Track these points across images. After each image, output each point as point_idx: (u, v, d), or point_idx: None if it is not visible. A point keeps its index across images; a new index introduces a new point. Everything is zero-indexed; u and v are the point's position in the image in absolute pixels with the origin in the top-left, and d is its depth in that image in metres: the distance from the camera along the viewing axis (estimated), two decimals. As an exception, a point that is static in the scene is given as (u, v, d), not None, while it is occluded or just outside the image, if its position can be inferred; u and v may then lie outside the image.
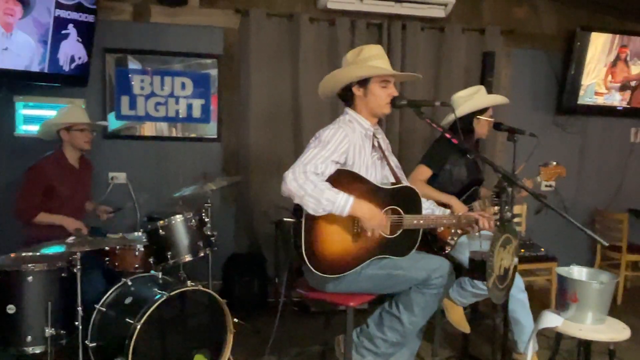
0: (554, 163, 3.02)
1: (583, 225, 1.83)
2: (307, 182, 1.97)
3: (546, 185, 4.32)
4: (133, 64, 3.79)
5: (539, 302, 3.44)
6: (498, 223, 1.97)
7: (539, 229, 4.10)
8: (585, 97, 4.33)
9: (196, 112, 3.92)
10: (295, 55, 3.88)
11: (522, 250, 3.65)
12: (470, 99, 2.89)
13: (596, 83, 4.33)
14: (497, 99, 3.03)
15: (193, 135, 3.95)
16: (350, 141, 2.14)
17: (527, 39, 4.32)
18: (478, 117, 2.88)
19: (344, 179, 2.08)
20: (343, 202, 1.98)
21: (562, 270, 2.21)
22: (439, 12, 3.95)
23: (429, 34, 4.06)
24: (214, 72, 3.91)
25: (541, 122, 4.33)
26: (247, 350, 2.92)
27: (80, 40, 3.37)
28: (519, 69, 4.36)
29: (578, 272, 2.25)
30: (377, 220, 2.05)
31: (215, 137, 3.97)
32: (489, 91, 3.22)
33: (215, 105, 3.95)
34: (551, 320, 2.11)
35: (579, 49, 4.19)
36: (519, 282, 2.70)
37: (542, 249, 3.77)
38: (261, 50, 3.84)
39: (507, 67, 4.33)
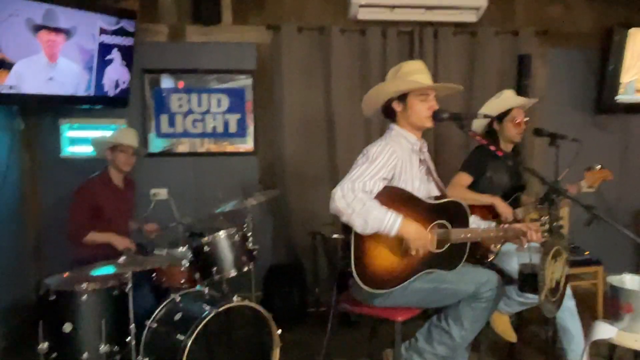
0: (598, 167, 2.95)
1: (626, 227, 1.78)
2: (356, 201, 1.97)
3: (588, 187, 4.22)
4: (170, 83, 3.89)
5: (585, 307, 3.35)
6: (547, 234, 1.94)
7: (582, 231, 4.00)
8: (626, 95, 4.22)
9: (232, 127, 4.00)
10: (327, 66, 3.91)
11: (566, 254, 3.57)
12: (494, 103, 2.86)
13: (636, 80, 4.21)
14: (517, 100, 2.93)
15: (230, 149, 4.02)
16: (399, 156, 2.14)
17: (562, 38, 4.24)
18: (501, 119, 2.83)
19: (391, 196, 2.08)
20: (391, 222, 1.98)
21: (614, 279, 2.16)
22: (470, 17, 3.91)
23: (461, 39, 4.03)
24: (248, 88, 3.98)
25: (580, 123, 4.23)
26: (290, 361, 2.94)
27: (124, 63, 3.48)
28: (554, 69, 4.27)
29: (630, 281, 2.19)
30: (423, 240, 2.05)
31: (251, 151, 4.04)
32: (525, 95, 3.17)
33: (250, 120, 4.01)
34: (604, 331, 2.06)
35: (616, 45, 4.08)
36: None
37: (587, 253, 3.68)
38: (293, 63, 3.88)
39: (543, 68, 4.25)
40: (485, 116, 2.16)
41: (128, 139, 3.14)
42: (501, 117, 2.85)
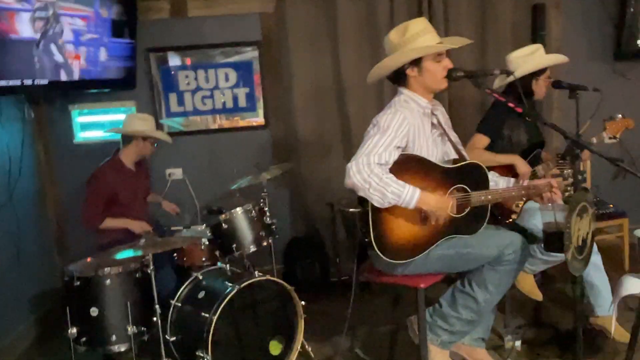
0: (619, 116, 2.86)
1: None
2: (372, 175, 1.93)
3: (610, 138, 4.09)
4: (175, 61, 3.83)
5: (611, 261, 3.30)
6: (570, 190, 1.88)
7: (604, 184, 3.91)
8: (647, 39, 4.04)
9: (242, 102, 3.94)
10: (333, 32, 3.80)
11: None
12: (529, 59, 2.74)
13: (659, 22, 4.02)
14: (558, 58, 2.85)
15: (241, 124, 3.98)
16: (410, 123, 2.08)
17: (576, -17, 4.05)
18: (537, 77, 2.74)
19: (406, 163, 2.03)
20: (409, 196, 1.95)
21: (641, 233, 2.10)
22: (480, -33, 3.74)
23: (471, -8, 3.86)
24: (255, 60, 3.90)
25: (599, 72, 4.07)
26: (316, 332, 2.95)
27: (128, 43, 3.42)
28: (569, 17, 4.08)
29: (659, 233, 2.13)
30: (443, 210, 2.01)
31: (263, 124, 3.99)
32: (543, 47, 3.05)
33: (259, 93, 3.95)
34: (633, 285, 2.02)
35: (636, -14, 3.89)
36: (591, 244, 2.59)
37: (611, 205, 3.60)
38: (299, 31, 3.78)
39: (557, 17, 4.07)
40: (502, 72, 2.06)
41: (164, 136, 3.30)
42: (537, 74, 2.75)
